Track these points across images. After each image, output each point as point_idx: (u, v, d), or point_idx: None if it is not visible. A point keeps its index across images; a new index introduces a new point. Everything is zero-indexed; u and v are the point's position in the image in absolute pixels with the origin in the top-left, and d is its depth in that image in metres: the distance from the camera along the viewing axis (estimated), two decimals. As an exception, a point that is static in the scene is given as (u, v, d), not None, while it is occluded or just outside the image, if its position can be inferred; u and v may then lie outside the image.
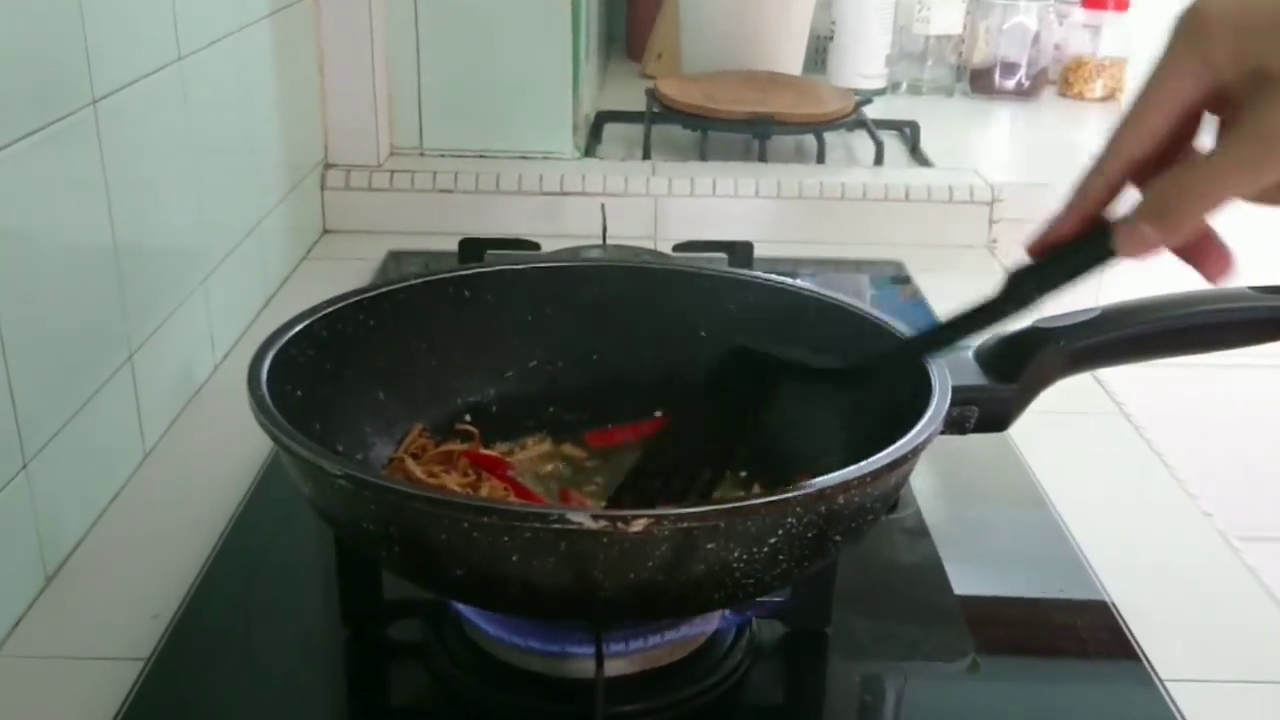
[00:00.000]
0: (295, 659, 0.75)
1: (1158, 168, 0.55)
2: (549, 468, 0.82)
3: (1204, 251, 0.56)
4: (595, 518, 0.54)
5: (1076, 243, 0.58)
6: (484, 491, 0.75)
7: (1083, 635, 0.77)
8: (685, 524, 0.55)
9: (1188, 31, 0.51)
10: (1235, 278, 0.57)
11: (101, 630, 0.76)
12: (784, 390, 0.72)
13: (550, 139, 1.53)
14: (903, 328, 0.74)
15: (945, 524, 0.88)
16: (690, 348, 0.83)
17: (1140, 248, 0.54)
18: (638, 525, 0.54)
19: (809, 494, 0.57)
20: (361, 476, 0.58)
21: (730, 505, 0.57)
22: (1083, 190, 0.57)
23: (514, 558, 0.56)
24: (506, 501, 0.69)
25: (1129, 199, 0.56)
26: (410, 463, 0.76)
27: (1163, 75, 0.53)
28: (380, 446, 0.78)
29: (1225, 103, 0.52)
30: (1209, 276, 0.57)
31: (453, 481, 0.75)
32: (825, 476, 0.58)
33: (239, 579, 0.81)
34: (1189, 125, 0.54)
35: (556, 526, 0.54)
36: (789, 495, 0.57)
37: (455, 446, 0.79)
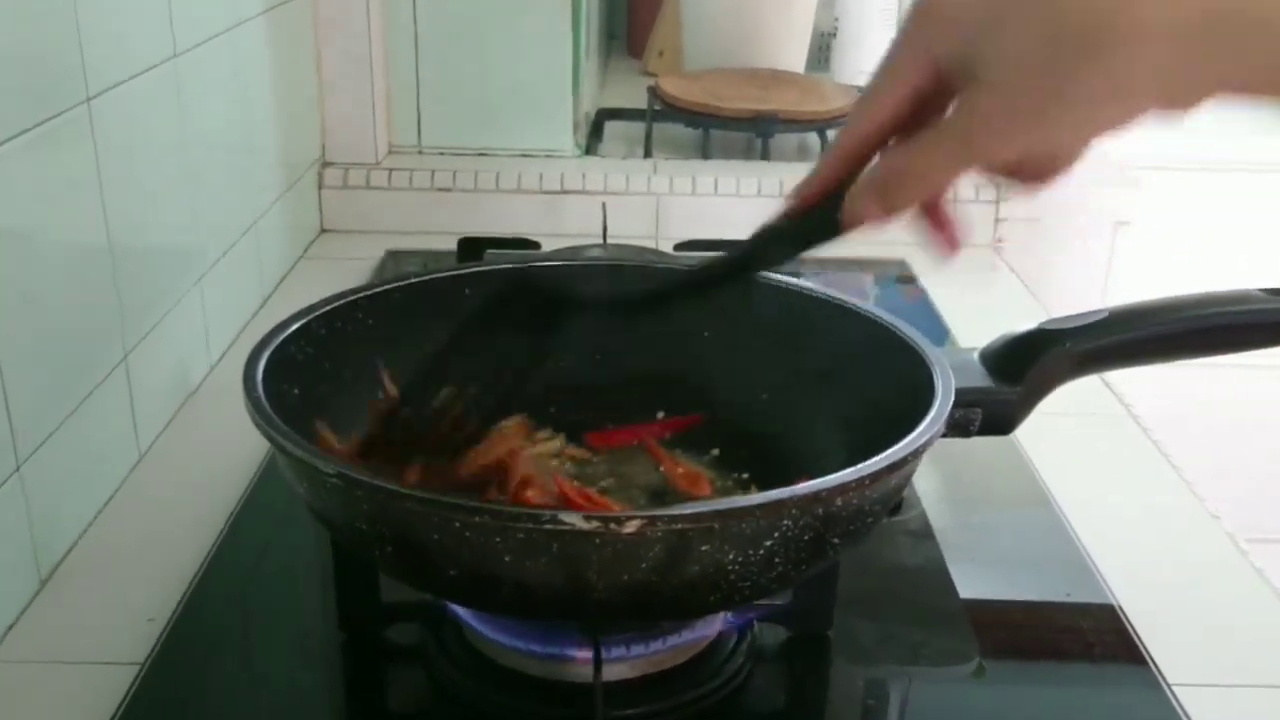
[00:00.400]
0: (292, 663, 0.75)
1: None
2: (553, 465, 0.82)
3: (937, 226, 0.58)
4: (587, 519, 0.54)
5: (812, 211, 0.59)
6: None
7: (1089, 639, 0.77)
8: (679, 525, 0.55)
9: (917, 20, 0.54)
10: (956, 258, 0.59)
11: (96, 634, 0.76)
12: (565, 328, 0.72)
13: (550, 137, 1.53)
14: (907, 328, 0.74)
15: (950, 526, 0.88)
16: (692, 348, 0.83)
17: (861, 220, 0.57)
18: (631, 526, 0.54)
19: (805, 496, 0.57)
20: (354, 475, 0.58)
21: (725, 507, 0.57)
22: (822, 162, 0.59)
23: (507, 558, 0.56)
24: (498, 502, 0.68)
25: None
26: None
27: (892, 60, 0.55)
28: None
29: (951, 91, 0.54)
30: (942, 251, 0.58)
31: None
32: (822, 478, 0.58)
33: (235, 582, 0.81)
34: (933, 104, 0.55)
35: (549, 527, 0.54)
36: (784, 496, 0.57)
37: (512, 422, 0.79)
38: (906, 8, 0.56)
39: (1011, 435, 0.73)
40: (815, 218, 0.59)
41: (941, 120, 0.54)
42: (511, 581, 0.58)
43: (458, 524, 0.56)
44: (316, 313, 0.76)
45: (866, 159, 0.57)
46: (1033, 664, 0.77)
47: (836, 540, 0.61)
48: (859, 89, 1.74)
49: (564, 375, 0.85)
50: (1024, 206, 1.44)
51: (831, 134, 1.61)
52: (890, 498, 0.64)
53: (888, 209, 0.56)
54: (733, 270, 0.66)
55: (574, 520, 0.54)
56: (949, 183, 0.55)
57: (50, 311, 0.80)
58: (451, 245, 1.27)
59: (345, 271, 1.31)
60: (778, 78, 1.76)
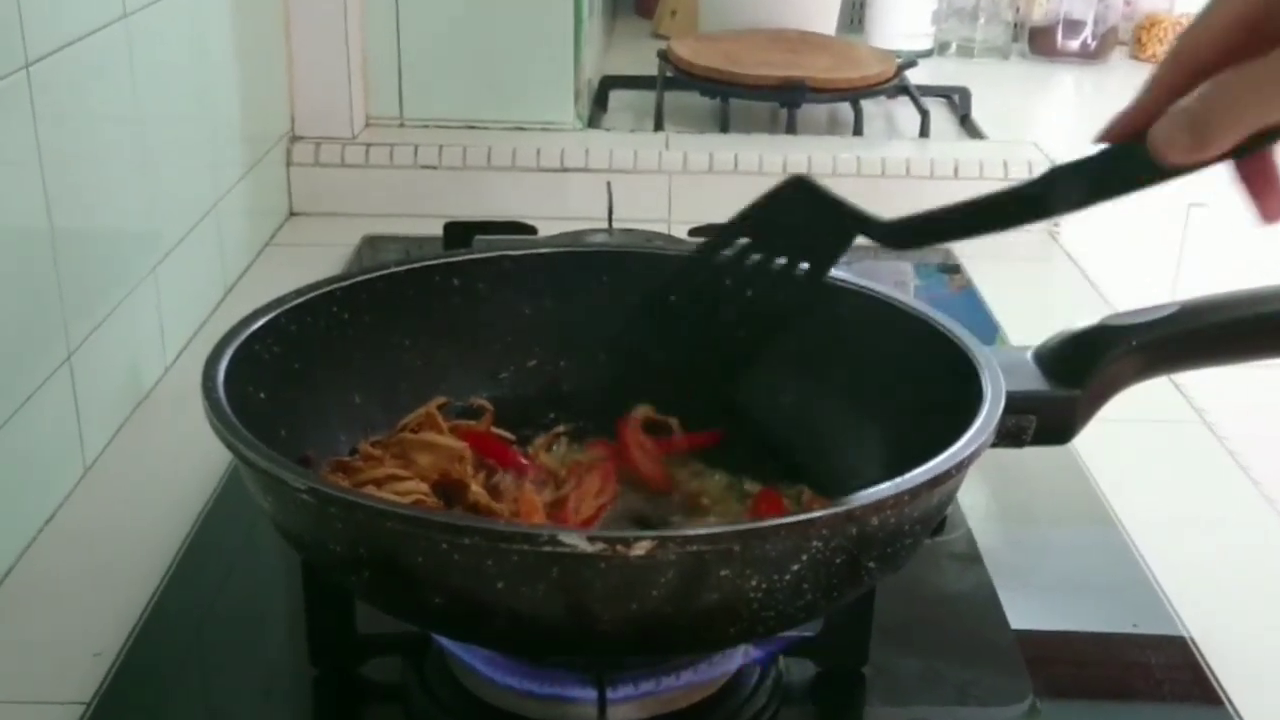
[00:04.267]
0: (257, 702, 0.75)
1: None
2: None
3: (1260, 185, 0.58)
4: (591, 539, 0.54)
5: (1119, 149, 0.60)
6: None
7: (1158, 676, 0.77)
8: (695, 547, 0.55)
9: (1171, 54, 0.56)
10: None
11: (36, 671, 0.76)
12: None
13: (549, 107, 1.53)
14: (951, 324, 0.74)
15: (1000, 548, 0.88)
16: (709, 345, 0.82)
17: (1167, 155, 0.56)
18: (640, 548, 0.54)
19: (836, 514, 0.57)
20: (327, 490, 0.58)
21: (747, 526, 0.57)
22: (1138, 96, 0.59)
23: (499, 585, 0.56)
24: (490, 520, 0.69)
25: None
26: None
27: (1166, 65, 0.57)
28: (354, 458, 0.79)
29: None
30: (1262, 215, 0.58)
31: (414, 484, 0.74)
32: (856, 494, 0.58)
33: (193, 611, 0.81)
34: (1269, 32, 0.56)
35: (547, 549, 0.54)
36: (813, 515, 0.57)
37: (464, 423, 0.79)
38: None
39: (1070, 445, 0.73)
40: (1121, 156, 0.59)
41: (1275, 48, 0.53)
42: (505, 611, 0.57)
43: (444, 545, 0.56)
44: (285, 306, 0.76)
45: (1188, 91, 0.56)
46: (1094, 704, 0.77)
47: (872, 564, 0.61)
48: (897, 53, 1.76)
49: (565, 377, 0.86)
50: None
51: (867, 104, 1.61)
52: (932, 516, 0.64)
53: (1200, 144, 0.55)
54: (1021, 209, 0.66)
55: (576, 541, 0.54)
56: (1275, 121, 0.54)
57: (-16, 305, 0.81)
58: (436, 230, 1.27)
59: (317, 260, 1.31)
60: (806, 40, 1.76)
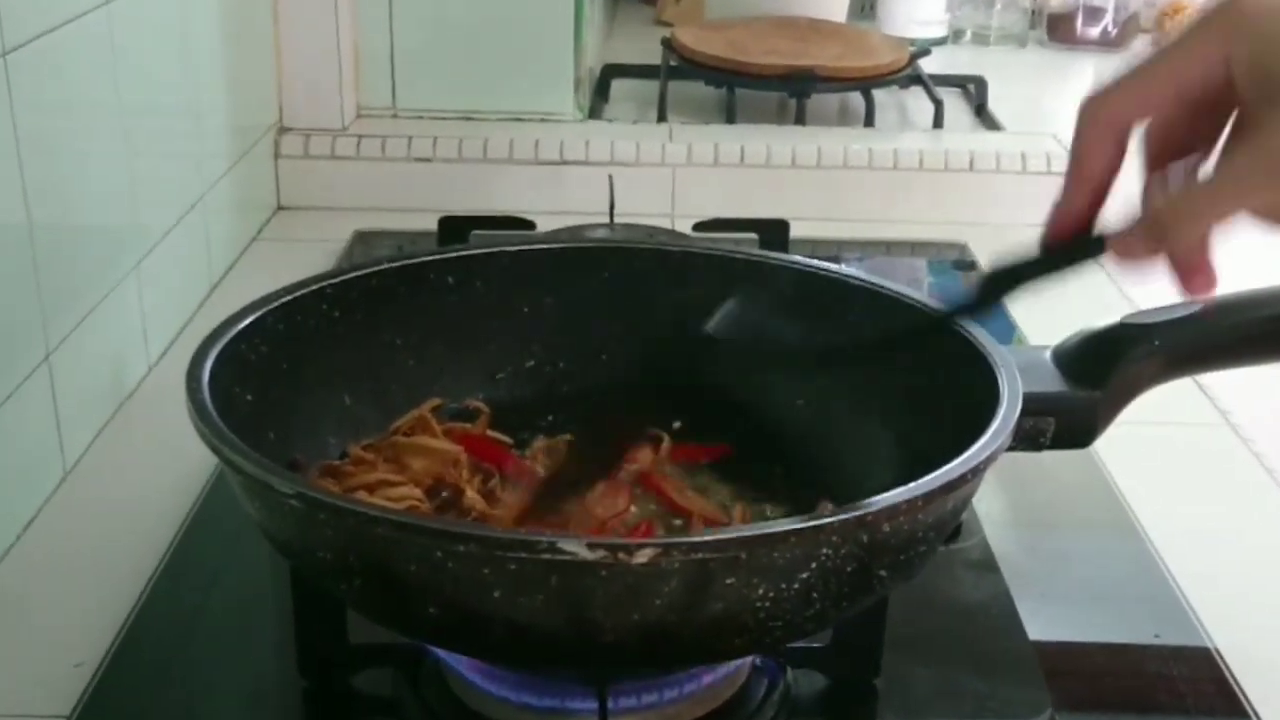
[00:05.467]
0: (244, 715, 0.75)
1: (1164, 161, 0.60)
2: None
3: (1193, 265, 0.59)
4: (592, 546, 0.54)
5: (1065, 246, 0.61)
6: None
7: (1181, 688, 0.77)
8: (699, 554, 0.55)
9: (1216, 19, 0.56)
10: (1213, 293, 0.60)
11: (14, 682, 0.76)
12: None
13: (548, 97, 1.53)
14: (971, 326, 0.74)
15: (1017, 556, 0.88)
16: (714, 345, 0.82)
17: (1129, 262, 0.59)
18: (643, 556, 0.54)
19: (847, 520, 0.57)
20: (316, 496, 0.58)
21: (753, 533, 0.57)
22: (1070, 186, 0.61)
23: (496, 594, 0.56)
24: (487, 526, 0.69)
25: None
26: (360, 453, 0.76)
27: (1177, 53, 0.57)
28: (345, 461, 0.79)
29: (1230, 105, 0.56)
30: (1187, 290, 0.60)
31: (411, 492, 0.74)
32: (868, 500, 0.58)
33: (178, 620, 0.81)
34: (1192, 122, 0.58)
35: (546, 557, 0.54)
36: (823, 521, 0.57)
37: (459, 426, 0.79)
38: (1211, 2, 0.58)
39: (1090, 448, 0.73)
40: (1068, 254, 0.61)
41: (1237, 143, 0.55)
42: (502, 621, 0.57)
43: (438, 553, 0.56)
44: (273, 304, 0.76)
45: (1117, 169, 0.59)
46: (1114, 718, 0.77)
47: (884, 572, 0.61)
48: (910, 41, 1.76)
49: (565, 378, 0.86)
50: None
51: (878, 94, 1.61)
52: (947, 522, 0.64)
53: (1160, 250, 0.57)
54: (966, 315, 0.70)
55: (576, 548, 0.54)
56: (1235, 217, 0.56)
57: (-39, 302, 0.81)
58: (431, 225, 1.27)
59: (306, 255, 1.31)
60: (815, 28, 1.76)
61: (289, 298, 0.77)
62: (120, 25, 1.01)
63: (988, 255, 1.34)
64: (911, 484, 0.59)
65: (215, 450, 0.62)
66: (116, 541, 0.88)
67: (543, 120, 1.53)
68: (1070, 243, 0.61)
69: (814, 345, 0.75)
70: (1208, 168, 0.58)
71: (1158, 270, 0.59)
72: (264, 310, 0.75)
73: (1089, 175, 0.60)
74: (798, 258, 0.85)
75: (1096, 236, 0.60)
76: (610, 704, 0.66)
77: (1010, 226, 1.44)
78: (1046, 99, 1.81)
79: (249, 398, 0.71)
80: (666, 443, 0.81)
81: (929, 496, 0.59)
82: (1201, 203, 0.56)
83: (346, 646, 0.74)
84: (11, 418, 0.86)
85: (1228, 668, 0.78)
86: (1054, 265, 0.62)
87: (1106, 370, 0.70)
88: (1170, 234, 0.57)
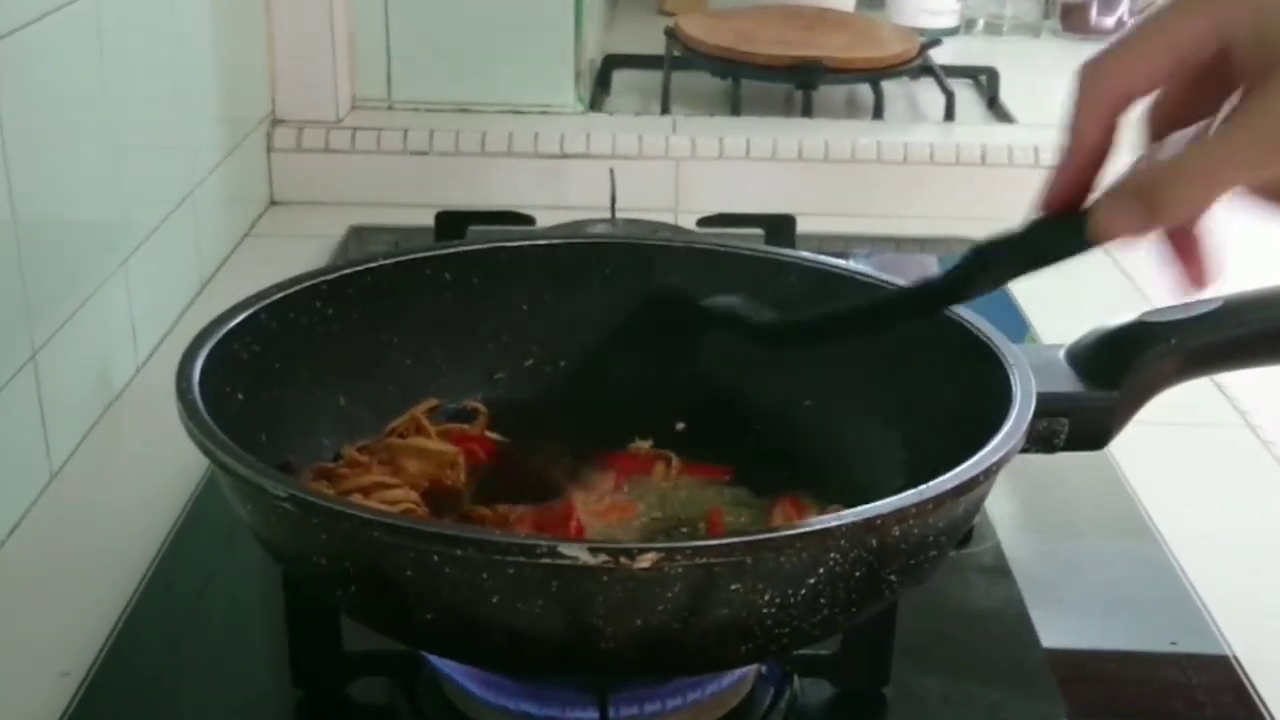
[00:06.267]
0: (235, 725, 0.75)
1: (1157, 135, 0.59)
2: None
3: (1187, 251, 0.59)
4: (593, 550, 0.54)
5: (1052, 222, 0.61)
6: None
7: (1200, 697, 0.77)
8: (703, 559, 0.55)
9: (1082, 89, 0.57)
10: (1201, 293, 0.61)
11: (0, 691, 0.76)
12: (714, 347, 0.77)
13: (548, 89, 1.53)
14: (977, 320, 0.74)
15: (1030, 561, 0.88)
16: (717, 344, 0.83)
17: (1113, 234, 0.57)
18: (645, 560, 0.54)
19: (855, 524, 0.57)
20: (310, 499, 0.58)
21: (759, 537, 0.57)
22: (1062, 161, 0.60)
23: (495, 600, 0.56)
24: (485, 530, 0.69)
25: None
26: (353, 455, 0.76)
27: (1170, 16, 0.56)
28: (340, 463, 0.79)
29: (1231, 76, 0.55)
30: (1184, 283, 0.60)
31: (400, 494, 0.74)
32: (877, 503, 0.58)
33: (168, 627, 0.81)
34: (1202, 86, 0.57)
35: (546, 561, 0.54)
36: (831, 524, 0.57)
37: (456, 427, 0.79)
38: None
39: (1105, 450, 0.72)
40: (1053, 231, 0.60)
41: (1235, 113, 0.54)
42: (501, 628, 0.58)
43: (435, 557, 0.56)
44: (265, 302, 0.76)
45: (1112, 141, 0.58)
46: (1131, 728, 0.77)
47: (893, 578, 0.61)
48: (920, 31, 1.76)
49: (565, 378, 0.86)
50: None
51: (888, 86, 1.61)
52: (958, 526, 0.64)
53: (1149, 222, 0.56)
54: (936, 300, 0.68)
55: (576, 553, 0.54)
56: (1230, 188, 0.55)
57: (-56, 300, 0.81)
58: (428, 220, 1.27)
59: (300, 251, 1.31)
60: (823, 17, 1.76)
61: (282, 295, 0.77)
62: (107, 14, 1.01)
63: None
64: (922, 486, 0.59)
65: (206, 452, 0.62)
66: (104, 546, 0.88)
67: (542, 112, 1.53)
68: (1059, 218, 0.60)
69: (792, 320, 0.75)
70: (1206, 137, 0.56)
71: (1150, 253, 0.58)
72: (256, 308, 0.75)
73: (1083, 145, 0.59)
74: (804, 254, 0.85)
75: (1085, 210, 0.59)
76: (611, 713, 0.66)
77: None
78: (1061, 91, 1.80)
79: (240, 398, 0.71)
80: (676, 461, 0.81)
81: (940, 499, 0.59)
82: (1195, 167, 0.55)
83: (341, 654, 0.74)
84: (-4, 419, 0.86)
85: (1247, 677, 0.78)
86: (1042, 240, 0.61)
87: (1122, 370, 0.70)
88: (1160, 198, 0.55)
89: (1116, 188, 0.57)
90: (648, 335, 0.84)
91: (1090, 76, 0.59)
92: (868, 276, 0.80)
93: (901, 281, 0.78)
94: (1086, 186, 0.59)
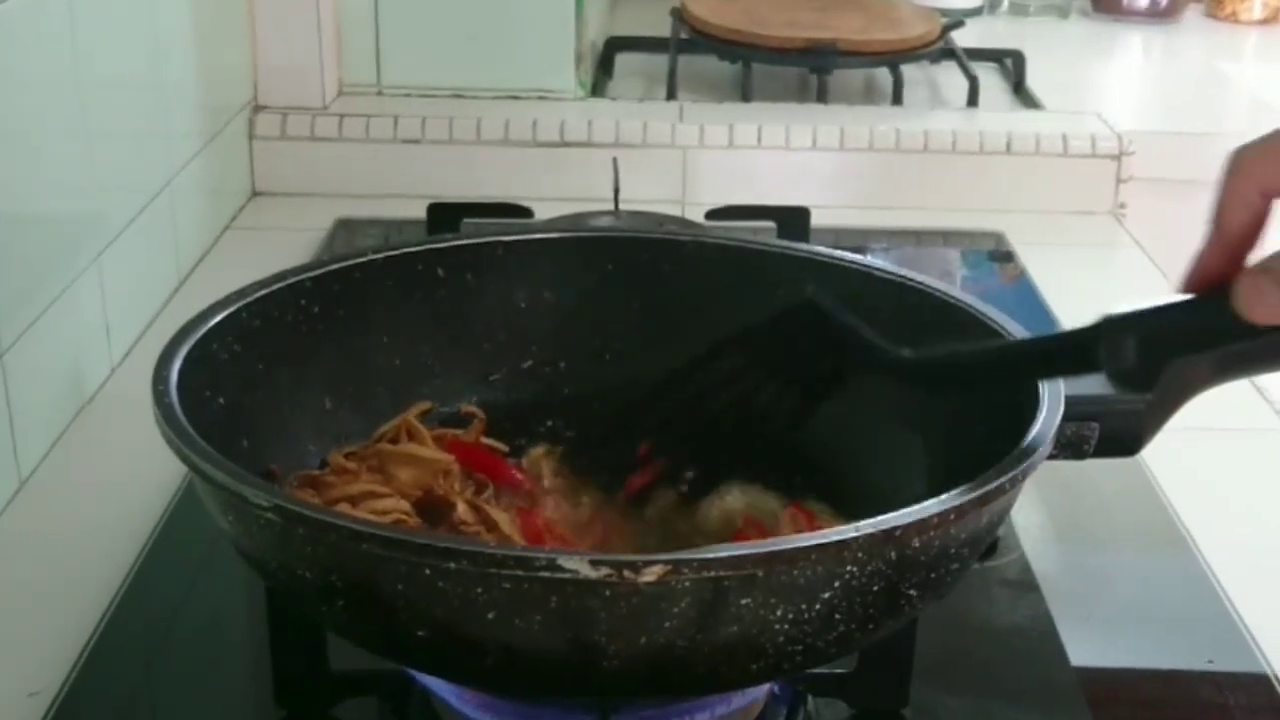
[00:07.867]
0: (214, 747, 0.75)
1: None
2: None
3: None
4: (595, 564, 0.54)
5: (1202, 304, 0.61)
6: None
7: (1238, 718, 0.77)
8: (712, 572, 0.55)
9: (1232, 171, 0.59)
10: None
11: (-36, 710, 0.76)
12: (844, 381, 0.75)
13: (546, 73, 1.53)
14: (1003, 319, 0.74)
15: (1058, 574, 0.88)
16: (731, 345, 0.83)
17: (1263, 318, 0.57)
18: (650, 574, 0.54)
19: (873, 535, 0.57)
20: (295, 508, 0.58)
21: (771, 549, 0.57)
22: (1213, 231, 0.61)
23: (490, 616, 0.56)
24: (479, 542, 0.69)
25: None
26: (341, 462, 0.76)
27: (1230, 193, 0.59)
28: (325, 470, 0.79)
29: None
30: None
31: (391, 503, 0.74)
32: (896, 512, 0.58)
33: (143, 644, 0.81)
34: None
35: (544, 575, 0.54)
36: (847, 536, 0.57)
37: (450, 432, 0.79)
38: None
39: (1137, 457, 0.73)
40: (1197, 308, 0.61)
41: None
42: (497, 646, 0.58)
43: (427, 571, 0.56)
44: (247, 299, 0.76)
45: (1260, 229, 0.59)
46: (1166, 751, 0.77)
47: (913, 592, 0.61)
48: (942, 12, 1.76)
49: (565, 379, 0.86)
50: (1153, 163, 1.44)
51: (907, 69, 1.61)
52: (982, 538, 0.64)
53: None
54: (1068, 360, 0.67)
55: (577, 566, 0.54)
56: None
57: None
58: (419, 212, 1.28)
59: (284, 245, 1.31)
60: (837, -3, 1.77)
61: (264, 292, 0.77)
62: (80, -5, 1.02)
63: (1025, 246, 1.34)
64: (943, 495, 0.59)
65: (184, 459, 0.62)
66: (75, 559, 0.88)
67: (541, 98, 1.53)
68: (1202, 298, 0.61)
69: (896, 359, 0.74)
70: None
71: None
72: (237, 306, 0.75)
73: (1229, 229, 0.60)
74: (817, 248, 0.85)
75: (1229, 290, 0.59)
76: (614, 734, 0.66)
77: (1051, 214, 1.44)
78: (1090, 75, 1.81)
79: (221, 402, 0.71)
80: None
81: (962, 509, 0.59)
82: None
83: (326, 674, 0.74)
84: (-38, 423, 0.87)
85: (1288, 696, 0.79)
86: (1191, 322, 0.62)
87: (1155, 372, 0.70)
88: None
89: (1258, 269, 0.58)
90: (654, 334, 0.84)
91: (1242, 162, 0.59)
92: (883, 272, 0.80)
93: (1021, 332, 0.77)
94: (1233, 268, 0.60)
